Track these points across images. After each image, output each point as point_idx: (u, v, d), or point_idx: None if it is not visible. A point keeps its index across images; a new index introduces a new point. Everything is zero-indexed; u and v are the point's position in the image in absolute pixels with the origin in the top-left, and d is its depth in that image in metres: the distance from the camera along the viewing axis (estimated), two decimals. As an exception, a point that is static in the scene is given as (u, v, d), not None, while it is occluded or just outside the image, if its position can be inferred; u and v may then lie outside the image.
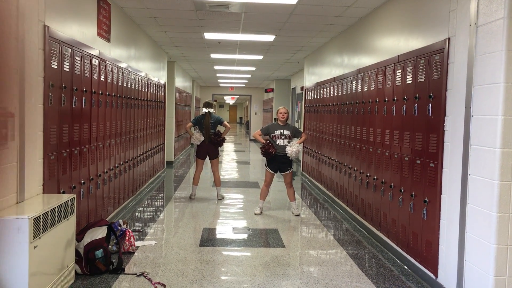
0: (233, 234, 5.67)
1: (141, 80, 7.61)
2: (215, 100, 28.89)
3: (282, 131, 6.55)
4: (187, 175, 10.73)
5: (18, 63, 3.40)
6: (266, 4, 5.95)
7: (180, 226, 6.01)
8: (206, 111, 7.53)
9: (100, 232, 4.24)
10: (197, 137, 7.48)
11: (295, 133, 6.64)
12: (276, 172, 6.72)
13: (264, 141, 6.70)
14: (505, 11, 3.10)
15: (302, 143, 6.87)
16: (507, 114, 3.14)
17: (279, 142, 6.53)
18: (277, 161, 6.59)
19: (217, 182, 7.72)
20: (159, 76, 9.72)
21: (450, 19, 3.83)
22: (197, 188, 7.91)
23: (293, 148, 6.49)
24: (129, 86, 6.71)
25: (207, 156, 7.58)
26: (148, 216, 6.58)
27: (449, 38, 3.83)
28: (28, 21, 3.53)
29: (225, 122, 7.71)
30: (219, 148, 7.62)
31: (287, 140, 6.52)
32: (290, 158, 6.58)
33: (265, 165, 6.75)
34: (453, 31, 3.77)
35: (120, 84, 6.15)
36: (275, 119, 6.86)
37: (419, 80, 4.36)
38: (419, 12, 4.53)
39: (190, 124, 7.57)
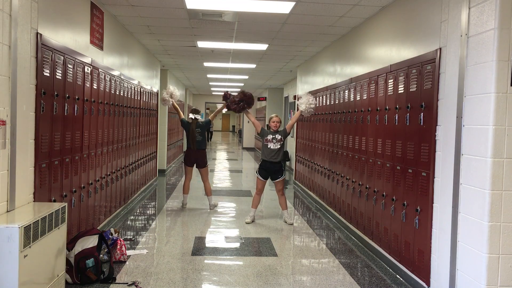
0: (225, 243, 5.64)
1: (134, 88, 7.60)
2: (208, 108, 28.87)
3: (273, 135, 6.57)
4: (180, 183, 10.67)
5: (10, 71, 3.38)
6: (259, 14, 5.98)
7: (172, 235, 5.97)
8: (193, 117, 7.51)
9: (91, 241, 4.21)
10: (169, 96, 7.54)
11: (285, 135, 6.65)
12: (267, 179, 6.72)
13: (255, 121, 6.74)
14: (495, 22, 3.14)
15: (312, 99, 6.69)
16: (498, 124, 3.17)
17: (271, 146, 6.54)
18: (268, 169, 6.60)
19: (207, 192, 7.61)
20: (152, 84, 9.71)
21: (441, 30, 3.87)
22: (188, 197, 7.86)
23: (307, 100, 6.53)
24: (122, 94, 6.69)
25: (195, 165, 7.54)
26: (139, 225, 6.53)
27: (440, 49, 3.88)
28: (21, 28, 3.52)
29: (210, 118, 7.67)
30: (206, 158, 7.59)
31: (279, 144, 6.54)
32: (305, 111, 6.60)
33: (256, 173, 6.75)
34: (444, 42, 3.82)
35: (112, 92, 6.13)
36: (267, 125, 6.86)
37: (411, 90, 4.40)
38: (411, 22, 4.57)
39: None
